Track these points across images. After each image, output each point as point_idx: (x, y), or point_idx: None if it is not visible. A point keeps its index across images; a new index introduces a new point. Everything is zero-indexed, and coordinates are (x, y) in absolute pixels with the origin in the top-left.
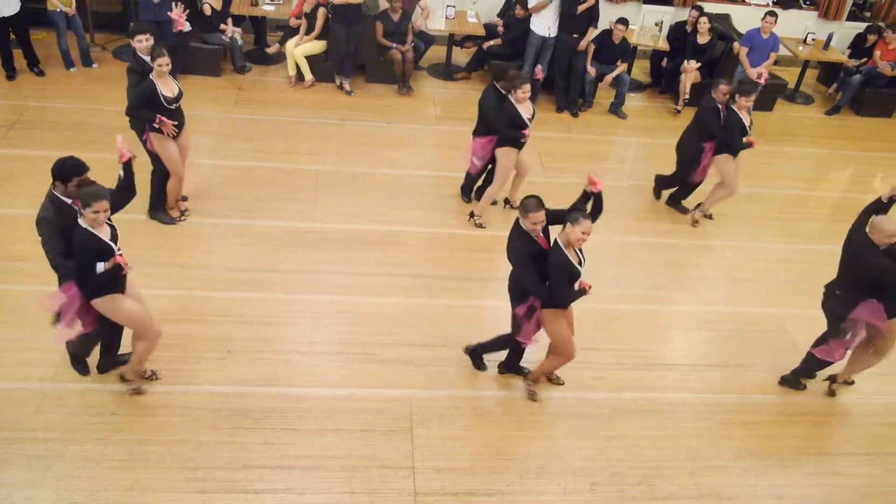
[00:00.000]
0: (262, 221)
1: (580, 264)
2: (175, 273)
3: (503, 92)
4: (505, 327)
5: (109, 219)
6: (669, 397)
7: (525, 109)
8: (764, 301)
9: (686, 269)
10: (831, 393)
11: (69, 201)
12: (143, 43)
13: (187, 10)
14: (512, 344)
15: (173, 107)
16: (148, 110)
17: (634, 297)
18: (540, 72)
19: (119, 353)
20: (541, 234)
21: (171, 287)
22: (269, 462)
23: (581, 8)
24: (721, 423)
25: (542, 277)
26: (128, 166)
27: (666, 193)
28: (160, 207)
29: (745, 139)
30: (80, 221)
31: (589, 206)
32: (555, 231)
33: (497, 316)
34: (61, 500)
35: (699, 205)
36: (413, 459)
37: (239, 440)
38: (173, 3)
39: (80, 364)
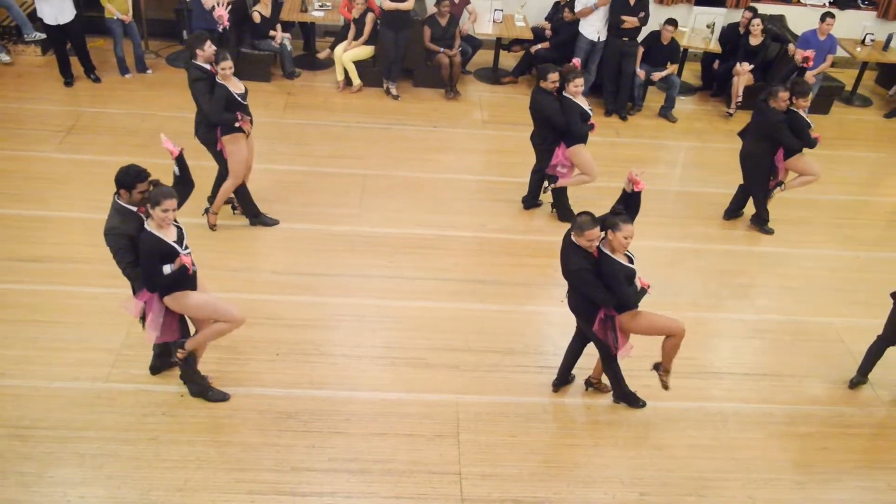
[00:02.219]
0: (309, 225)
1: (631, 263)
2: (223, 276)
3: (552, 93)
4: (552, 331)
5: (176, 220)
6: (720, 407)
7: (582, 102)
8: (819, 309)
9: (737, 276)
10: None
11: (133, 209)
12: (206, 51)
13: (230, 6)
14: (615, 363)
15: (245, 102)
16: (227, 113)
17: (684, 305)
18: (578, 63)
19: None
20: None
21: (220, 290)
22: (316, 465)
23: (627, 25)
24: (774, 434)
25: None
26: (181, 160)
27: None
28: (257, 213)
29: (813, 135)
30: (147, 225)
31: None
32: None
33: (543, 321)
34: (114, 498)
35: (781, 183)
36: (459, 465)
37: (286, 442)
38: (216, 4)
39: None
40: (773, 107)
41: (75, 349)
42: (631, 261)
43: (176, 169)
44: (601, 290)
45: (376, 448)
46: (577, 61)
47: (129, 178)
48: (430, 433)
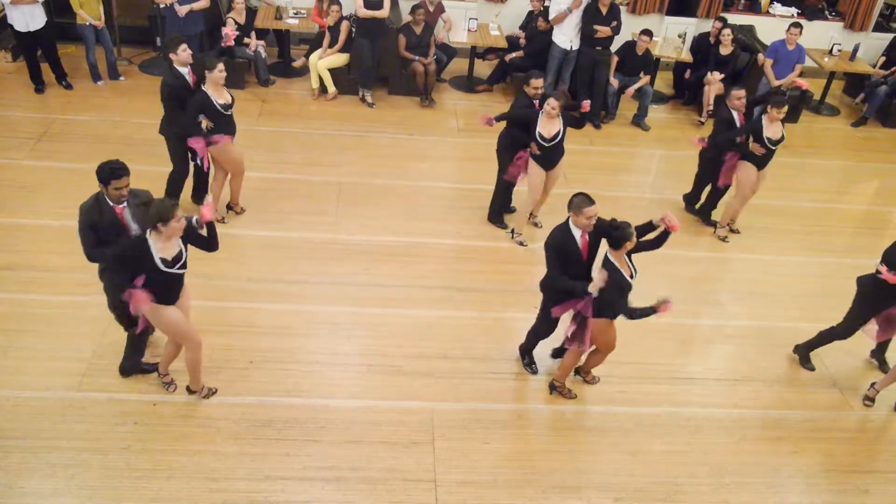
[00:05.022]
0: (284, 233)
1: (632, 276)
2: (198, 283)
3: (531, 99)
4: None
5: (185, 242)
6: (693, 412)
7: (549, 125)
8: (788, 315)
9: (709, 283)
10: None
11: (111, 204)
12: (180, 55)
13: (238, 32)
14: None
15: (229, 113)
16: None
17: None
18: (587, 105)
19: (144, 361)
20: (585, 236)
21: (194, 297)
22: (290, 473)
23: (599, 34)
24: (746, 438)
25: (573, 276)
26: (211, 227)
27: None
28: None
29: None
30: (148, 234)
31: (652, 235)
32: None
33: (518, 328)
34: None
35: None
36: (434, 472)
37: (260, 451)
38: (224, 23)
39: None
40: (727, 104)
41: (46, 358)
42: (632, 275)
43: (203, 232)
44: (557, 268)
45: (351, 456)
46: (586, 104)
47: (104, 173)
48: (405, 440)
